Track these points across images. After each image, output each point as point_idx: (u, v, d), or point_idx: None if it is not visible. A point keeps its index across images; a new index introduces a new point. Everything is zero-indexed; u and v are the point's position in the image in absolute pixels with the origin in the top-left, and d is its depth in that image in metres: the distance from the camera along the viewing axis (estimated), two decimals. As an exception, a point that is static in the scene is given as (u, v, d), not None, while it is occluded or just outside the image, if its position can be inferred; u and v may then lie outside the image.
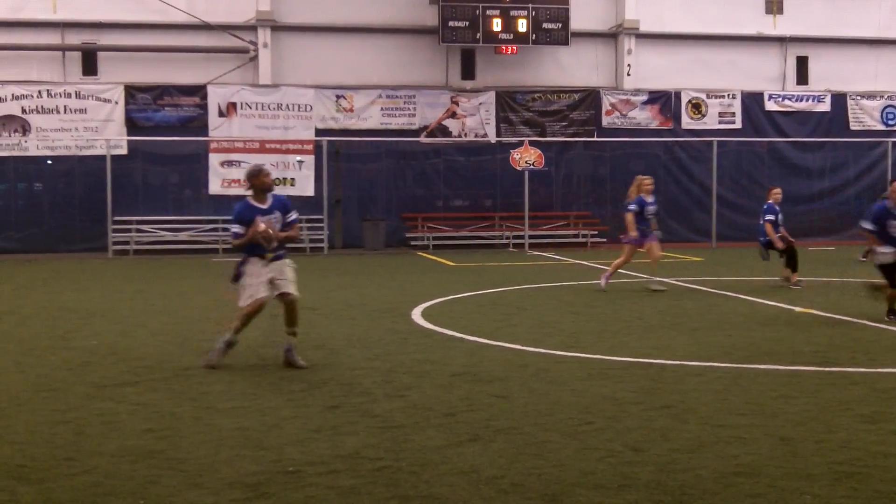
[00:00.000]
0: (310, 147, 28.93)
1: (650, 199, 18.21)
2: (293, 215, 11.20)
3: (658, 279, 18.41)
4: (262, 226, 10.72)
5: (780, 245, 18.39)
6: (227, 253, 26.88)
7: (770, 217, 18.65)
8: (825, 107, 32.16)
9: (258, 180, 11.07)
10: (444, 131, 29.97)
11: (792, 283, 18.32)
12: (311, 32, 29.64)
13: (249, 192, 11.12)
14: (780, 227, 18.56)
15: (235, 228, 10.89)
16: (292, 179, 28.84)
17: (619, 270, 18.64)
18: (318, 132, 29.12)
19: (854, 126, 32.21)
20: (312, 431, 8.01)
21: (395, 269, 23.05)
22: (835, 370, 10.52)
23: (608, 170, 30.61)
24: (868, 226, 14.37)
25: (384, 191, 29.80)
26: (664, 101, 31.17)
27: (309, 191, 28.78)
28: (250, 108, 29.04)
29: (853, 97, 32.26)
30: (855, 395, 9.28)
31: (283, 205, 11.17)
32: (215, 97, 28.96)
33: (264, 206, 11.01)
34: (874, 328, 13.48)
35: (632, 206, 18.14)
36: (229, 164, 28.60)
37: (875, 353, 11.51)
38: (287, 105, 29.14)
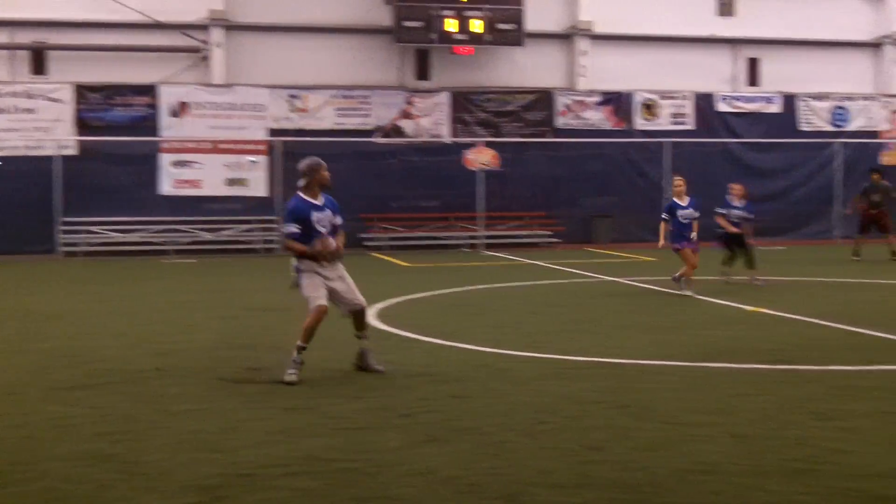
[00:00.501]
0: (263, 147, 28.79)
1: (683, 201, 17.26)
2: (340, 218, 10.54)
3: (684, 288, 17.36)
4: (334, 244, 10.13)
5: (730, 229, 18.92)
6: (180, 254, 26.70)
7: (720, 210, 19.17)
8: (776, 108, 32.44)
9: (319, 175, 10.40)
10: (399, 132, 29.93)
11: (752, 281, 18.67)
12: (265, 32, 29.50)
13: (301, 186, 10.36)
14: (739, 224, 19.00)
15: (292, 228, 10.12)
16: (245, 180, 28.67)
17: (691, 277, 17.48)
18: (272, 132, 28.97)
19: (804, 127, 32.52)
20: (269, 434, 7.95)
21: (350, 269, 22.86)
22: (789, 368, 10.60)
23: (563, 170, 30.69)
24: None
25: (339, 191, 29.44)
26: (618, 101, 31.31)
27: (262, 191, 28.63)
28: (203, 107, 28.83)
29: (803, 99, 32.56)
30: (809, 393, 9.36)
31: (333, 204, 10.49)
32: (167, 97, 28.72)
33: (318, 203, 10.32)
34: (827, 327, 13.59)
35: (663, 215, 17.50)
36: (181, 164, 28.39)
37: (828, 352, 11.61)
38: (240, 105, 28.97)
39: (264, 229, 28.16)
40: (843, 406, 8.81)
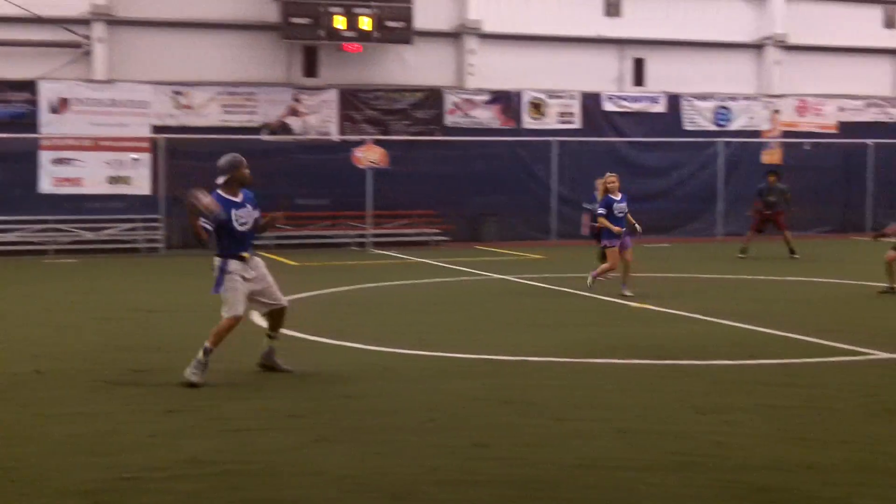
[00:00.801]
0: (146, 144, 28.29)
1: (618, 196, 17.12)
2: (258, 211, 10.42)
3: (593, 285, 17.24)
4: (207, 199, 9.83)
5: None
6: (60, 254, 26.13)
7: (587, 206, 20.21)
8: (660, 108, 32.93)
9: (240, 172, 10.18)
10: (286, 129, 29.69)
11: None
12: (149, 27, 28.99)
13: (221, 183, 10.13)
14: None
15: (203, 222, 9.85)
16: (127, 178, 28.16)
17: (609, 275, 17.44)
18: (155, 129, 28.47)
19: (688, 126, 33.07)
20: (151, 436, 7.81)
21: (236, 268, 22.69)
22: (671, 363, 10.78)
23: (452, 169, 30.75)
24: None
25: (225, 189, 29.29)
26: (506, 100, 31.48)
27: (145, 189, 28.14)
28: (84, 104, 28.21)
29: (687, 98, 33.12)
30: (690, 388, 9.53)
31: (252, 199, 10.32)
32: (47, 93, 28.05)
33: (237, 200, 10.14)
34: (707, 322, 13.85)
35: (600, 210, 17.14)
36: (61, 162, 27.75)
37: (708, 346, 11.84)
38: (123, 101, 28.41)
39: (148, 228, 27.69)
40: (724, 400, 8.98)
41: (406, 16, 29.03)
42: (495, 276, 20.24)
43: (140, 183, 28.19)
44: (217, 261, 10.11)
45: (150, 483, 6.63)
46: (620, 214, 17.01)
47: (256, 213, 10.34)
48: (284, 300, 10.43)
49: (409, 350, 11.65)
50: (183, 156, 28.51)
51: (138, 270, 22.54)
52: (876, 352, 11.41)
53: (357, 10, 28.59)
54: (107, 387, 9.68)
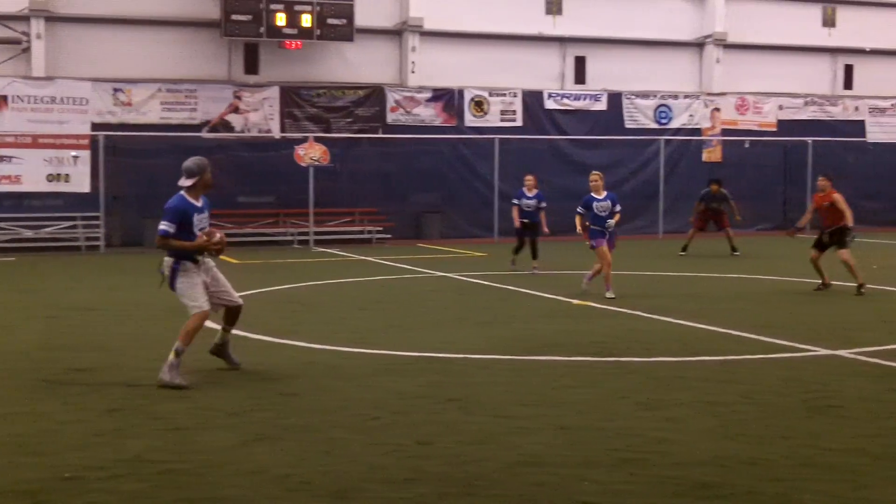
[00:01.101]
0: (86, 142, 27.98)
1: (601, 195, 16.82)
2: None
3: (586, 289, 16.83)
4: (219, 235, 9.82)
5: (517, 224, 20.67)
6: (9, 252, 25.79)
7: (514, 201, 21.12)
8: (602, 105, 33.14)
9: (207, 176, 10.01)
10: (228, 126, 29.50)
11: (532, 270, 20.10)
12: (89, 23, 28.66)
13: (187, 187, 9.96)
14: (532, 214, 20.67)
15: (166, 225, 9.70)
16: (67, 175, 27.84)
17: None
18: (95, 126, 28.16)
19: (629, 124, 33.30)
20: (92, 436, 7.75)
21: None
22: (613, 360, 10.86)
23: (394, 166, 30.75)
24: None
25: (165, 187, 28.79)
26: (448, 98, 31.51)
27: (85, 187, 27.83)
28: (22, 101, 27.85)
29: (628, 97, 33.35)
30: (632, 384, 9.60)
31: (209, 206, 10.20)
32: (-15, 89, 27.70)
33: (198, 204, 9.96)
34: (649, 319, 13.97)
35: (579, 209, 16.99)
36: (0, 159, 27.38)
37: (650, 343, 11.93)
38: (62, 98, 28.10)
39: (88, 226, 27.39)
40: (666, 396, 9.07)
41: (347, 13, 28.98)
42: (438, 273, 20.26)
43: (80, 181, 27.88)
44: (169, 261, 9.94)
45: (93, 482, 6.58)
46: (602, 213, 16.66)
47: (208, 222, 10.19)
48: (239, 299, 10.37)
49: (351, 348, 11.64)
50: (123, 153, 28.26)
51: (78, 269, 22.29)
52: (815, 348, 11.57)
53: (298, 8, 28.50)
54: (48, 386, 9.58)
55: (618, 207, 16.81)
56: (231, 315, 10.36)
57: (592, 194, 16.83)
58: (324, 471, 6.83)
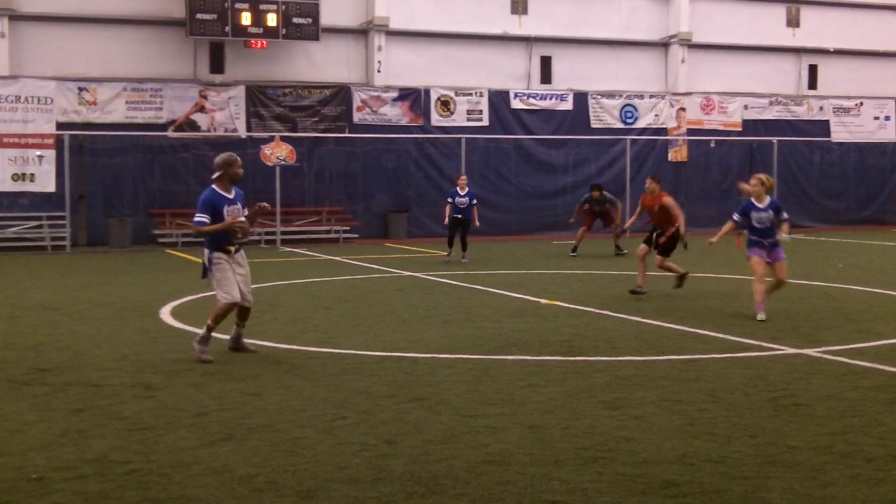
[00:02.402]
0: (50, 141, 27.79)
1: (763, 202, 14.08)
2: (246, 209, 11.18)
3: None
4: (241, 216, 10.85)
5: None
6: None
7: (449, 200, 23.01)
8: (568, 105, 33.22)
9: (233, 169, 10.95)
10: (193, 126, 29.37)
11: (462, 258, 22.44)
12: (53, 22, 28.45)
13: (215, 179, 10.97)
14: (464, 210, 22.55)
15: (199, 217, 10.70)
16: (32, 175, 27.64)
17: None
18: (60, 126, 27.96)
19: (595, 124, 33.40)
20: (58, 436, 7.70)
21: (142, 266, 22.44)
22: (579, 359, 10.89)
23: (360, 165, 30.74)
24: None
25: (131, 186, 28.89)
26: (414, 98, 31.50)
27: (50, 187, 27.64)
28: (-14, 99, 27.67)
29: (594, 96, 33.46)
30: (598, 383, 9.63)
31: (242, 197, 11.12)
32: (-53, 88, 27.45)
33: (230, 196, 10.93)
34: (615, 318, 14.02)
35: (734, 216, 14.50)
36: (-37, 158, 27.18)
37: (616, 342, 11.98)
38: (26, 97, 27.87)
39: (53, 226, 27.20)
40: (631, 395, 9.10)
41: (313, 12, 28.93)
42: (405, 273, 20.26)
43: (45, 180, 27.70)
44: (206, 252, 10.88)
45: (58, 483, 6.54)
46: (760, 225, 14.10)
47: (246, 212, 11.12)
48: (251, 300, 11.20)
49: (317, 348, 11.62)
50: (88, 153, 28.11)
51: (43, 268, 22.12)
52: (781, 347, 11.65)
53: (263, 7, 28.44)
54: (12, 386, 9.51)
55: (784, 216, 14.25)
56: (243, 312, 11.14)
57: (752, 201, 14.13)
58: (290, 470, 6.82)
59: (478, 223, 23.13)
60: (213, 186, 10.94)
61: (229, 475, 6.72)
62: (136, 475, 6.71)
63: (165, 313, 14.49)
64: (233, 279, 10.81)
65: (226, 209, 10.77)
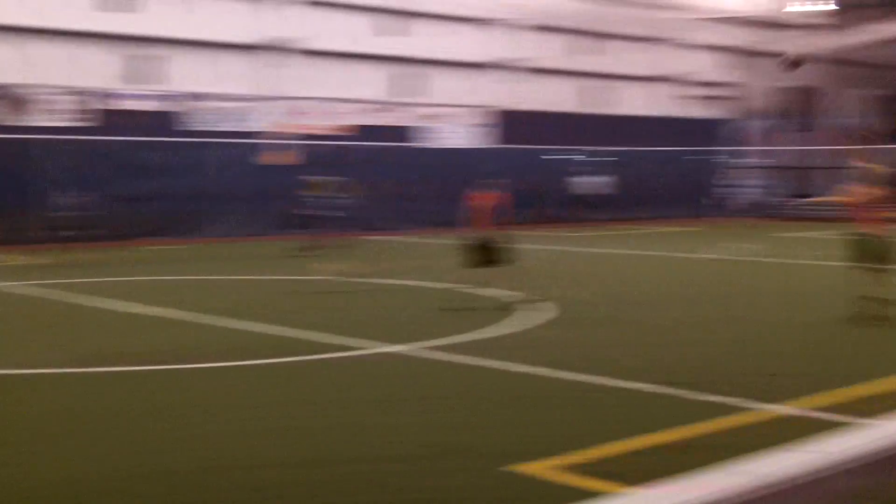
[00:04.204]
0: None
1: None
2: None
3: None
4: None
5: None
6: None
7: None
8: (160, 106, 32.38)
9: None
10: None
11: None
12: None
13: None
14: None
15: None
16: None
17: None
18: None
19: (186, 126, 32.93)
20: None
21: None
22: (169, 368, 10.85)
23: None
24: None
25: None
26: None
27: None
28: None
29: (186, 98, 32.95)
30: (174, 397, 9.67)
31: None
32: None
33: None
34: (197, 324, 14.01)
35: None
36: None
37: (197, 349, 12.00)
38: None
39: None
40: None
41: None
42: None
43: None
44: None
45: None
46: None
47: None
48: None
49: None
50: None
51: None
52: (385, 346, 12.09)
53: None
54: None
55: None
56: None
57: None
58: None
59: None
60: None
61: None
62: None
63: None
64: None
65: None
